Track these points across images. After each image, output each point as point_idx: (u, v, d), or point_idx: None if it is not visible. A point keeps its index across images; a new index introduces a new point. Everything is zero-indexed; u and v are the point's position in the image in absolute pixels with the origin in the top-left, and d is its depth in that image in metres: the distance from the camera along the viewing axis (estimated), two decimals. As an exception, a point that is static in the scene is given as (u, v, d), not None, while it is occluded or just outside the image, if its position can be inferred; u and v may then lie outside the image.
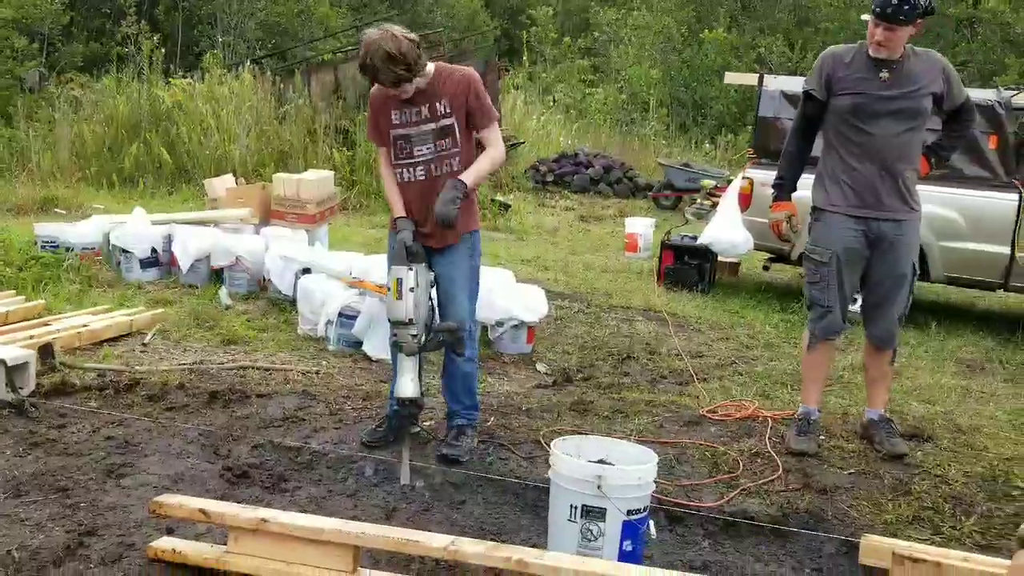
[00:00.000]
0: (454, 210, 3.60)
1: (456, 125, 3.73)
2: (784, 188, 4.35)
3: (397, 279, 3.64)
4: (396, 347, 3.73)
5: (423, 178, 3.79)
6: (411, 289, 3.61)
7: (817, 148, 4.30)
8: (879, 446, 4.18)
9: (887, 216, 4.06)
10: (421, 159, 3.78)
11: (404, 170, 3.81)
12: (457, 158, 3.76)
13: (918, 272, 4.25)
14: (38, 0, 16.97)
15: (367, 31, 3.63)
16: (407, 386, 3.63)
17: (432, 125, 3.74)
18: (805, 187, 4.33)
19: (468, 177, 3.69)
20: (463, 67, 3.83)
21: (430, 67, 3.71)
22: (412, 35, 3.60)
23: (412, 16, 27.30)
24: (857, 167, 4.06)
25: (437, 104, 3.72)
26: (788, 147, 4.36)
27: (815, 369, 4.34)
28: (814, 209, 4.22)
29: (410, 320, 3.62)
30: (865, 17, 4.14)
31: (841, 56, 4.12)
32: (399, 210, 3.84)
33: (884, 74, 3.99)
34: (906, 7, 3.80)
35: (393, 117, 3.78)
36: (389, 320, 3.72)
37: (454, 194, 3.62)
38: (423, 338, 3.66)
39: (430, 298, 3.77)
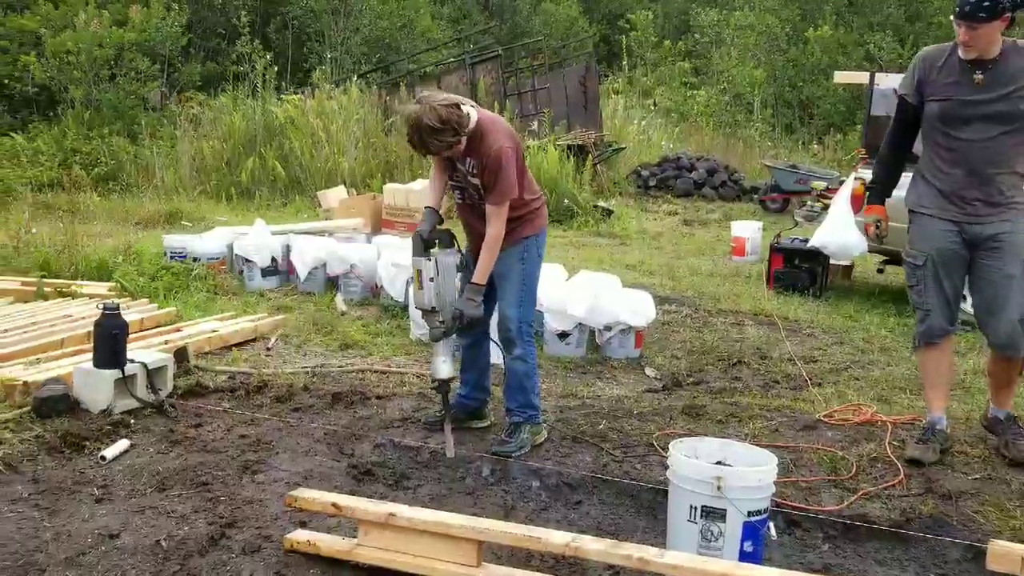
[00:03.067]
0: (477, 308, 3.87)
1: (481, 185, 3.88)
2: (876, 192, 4.27)
3: (418, 270, 3.87)
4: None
5: (459, 202, 4.06)
6: (431, 279, 3.83)
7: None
8: (1005, 450, 4.05)
9: (975, 220, 3.93)
10: (458, 185, 4.00)
11: (454, 190, 4.05)
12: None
13: None
14: (159, 23, 17.82)
15: (405, 108, 3.84)
16: (440, 368, 3.91)
17: (464, 170, 3.91)
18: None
19: (478, 276, 3.88)
20: (498, 138, 3.80)
21: (472, 114, 3.81)
22: (451, 98, 3.75)
23: (511, 26, 27.52)
24: (947, 171, 3.96)
25: (472, 160, 3.86)
26: (883, 151, 4.28)
27: (929, 375, 4.23)
28: (909, 211, 4.14)
29: (432, 308, 3.85)
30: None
31: (934, 59, 3.97)
32: (427, 201, 4.06)
33: (978, 76, 3.82)
34: (985, 4, 3.63)
35: None
36: (416, 308, 3.93)
37: (474, 299, 3.87)
38: (451, 323, 3.85)
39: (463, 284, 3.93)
